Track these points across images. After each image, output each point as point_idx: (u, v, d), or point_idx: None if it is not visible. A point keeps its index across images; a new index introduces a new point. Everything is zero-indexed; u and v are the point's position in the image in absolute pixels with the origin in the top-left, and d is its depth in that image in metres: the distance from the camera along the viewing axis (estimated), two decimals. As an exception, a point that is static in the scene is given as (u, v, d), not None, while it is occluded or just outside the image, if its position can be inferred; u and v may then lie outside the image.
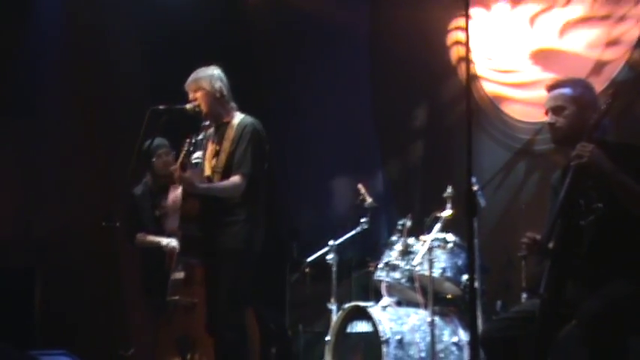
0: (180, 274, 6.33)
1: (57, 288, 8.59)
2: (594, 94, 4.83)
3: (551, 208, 4.83)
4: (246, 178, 5.92)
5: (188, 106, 6.08)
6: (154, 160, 7.16)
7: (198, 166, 6.11)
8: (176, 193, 6.37)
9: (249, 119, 6.10)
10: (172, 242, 6.81)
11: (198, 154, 6.12)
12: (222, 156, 6.01)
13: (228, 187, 5.94)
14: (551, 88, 4.84)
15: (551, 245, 4.49)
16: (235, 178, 5.92)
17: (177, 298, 6.39)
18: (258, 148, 6.01)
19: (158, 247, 6.97)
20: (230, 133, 6.02)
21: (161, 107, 6.17)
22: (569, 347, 4.73)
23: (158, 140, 7.00)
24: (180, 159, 5.99)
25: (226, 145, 6.01)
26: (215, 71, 6.15)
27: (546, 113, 4.82)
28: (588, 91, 4.81)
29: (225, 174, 5.97)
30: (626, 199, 4.39)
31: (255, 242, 6.01)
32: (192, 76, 6.15)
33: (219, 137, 6.09)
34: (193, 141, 6.05)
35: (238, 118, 6.10)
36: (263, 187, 6.12)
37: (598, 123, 4.51)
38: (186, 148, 6.03)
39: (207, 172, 6.09)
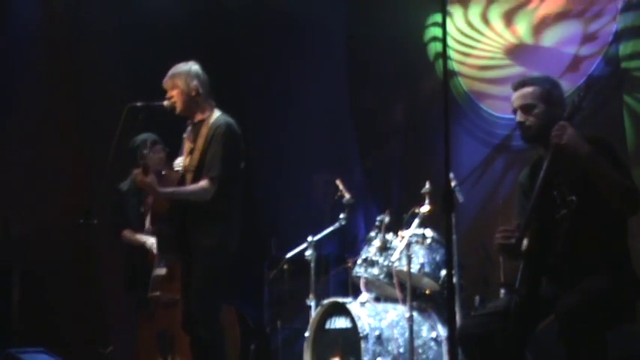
0: (162, 270, 6.32)
1: (35, 285, 8.56)
2: (561, 90, 4.82)
3: (519, 205, 4.86)
4: (214, 181, 5.81)
5: (166, 102, 6.03)
6: (150, 155, 7.03)
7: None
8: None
9: (223, 119, 6.00)
10: (154, 240, 6.81)
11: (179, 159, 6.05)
12: (196, 154, 5.94)
13: (194, 191, 5.84)
14: (518, 86, 4.81)
15: (524, 245, 4.50)
16: (203, 183, 5.82)
17: (158, 294, 6.38)
18: (230, 149, 5.91)
19: (142, 246, 6.95)
20: (204, 132, 5.94)
21: (139, 104, 6.13)
22: (546, 342, 4.76)
23: (152, 136, 6.96)
24: (141, 162, 5.90)
25: (200, 143, 5.94)
26: (193, 67, 6.07)
27: (514, 112, 4.80)
28: (556, 88, 4.80)
29: (198, 173, 5.89)
30: (602, 184, 4.40)
31: (228, 241, 5.92)
32: (170, 72, 6.09)
33: (194, 135, 6.04)
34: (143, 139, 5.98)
35: (214, 116, 6.01)
36: (239, 186, 6.05)
37: (572, 114, 4.52)
38: (145, 151, 5.96)
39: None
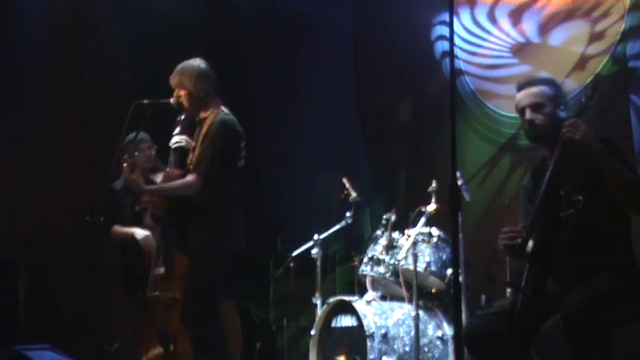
0: (160, 270, 6.31)
1: (41, 282, 8.57)
2: (564, 93, 4.86)
3: (524, 210, 4.86)
4: (201, 177, 5.80)
5: (172, 100, 6.03)
6: (137, 153, 7.07)
7: (184, 149, 6.09)
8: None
9: (220, 117, 5.97)
10: (149, 236, 6.80)
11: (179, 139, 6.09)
12: (196, 152, 5.95)
13: (180, 186, 5.87)
14: (525, 85, 4.78)
15: (529, 247, 4.50)
16: (189, 177, 5.84)
17: (157, 293, 6.37)
18: (222, 146, 5.88)
19: (132, 238, 6.95)
20: (204, 129, 5.95)
21: (145, 101, 6.14)
22: (552, 341, 4.75)
23: (141, 134, 6.96)
24: (121, 158, 5.91)
25: (199, 141, 5.96)
26: (201, 66, 6.05)
27: (521, 110, 4.77)
28: (560, 90, 4.82)
29: None
30: (614, 182, 4.39)
31: (223, 240, 5.90)
32: (177, 70, 6.07)
33: (197, 133, 6.05)
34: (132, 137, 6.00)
35: (214, 114, 6.00)
36: (236, 185, 6.02)
37: (580, 113, 4.50)
38: (137, 153, 5.99)
39: None
